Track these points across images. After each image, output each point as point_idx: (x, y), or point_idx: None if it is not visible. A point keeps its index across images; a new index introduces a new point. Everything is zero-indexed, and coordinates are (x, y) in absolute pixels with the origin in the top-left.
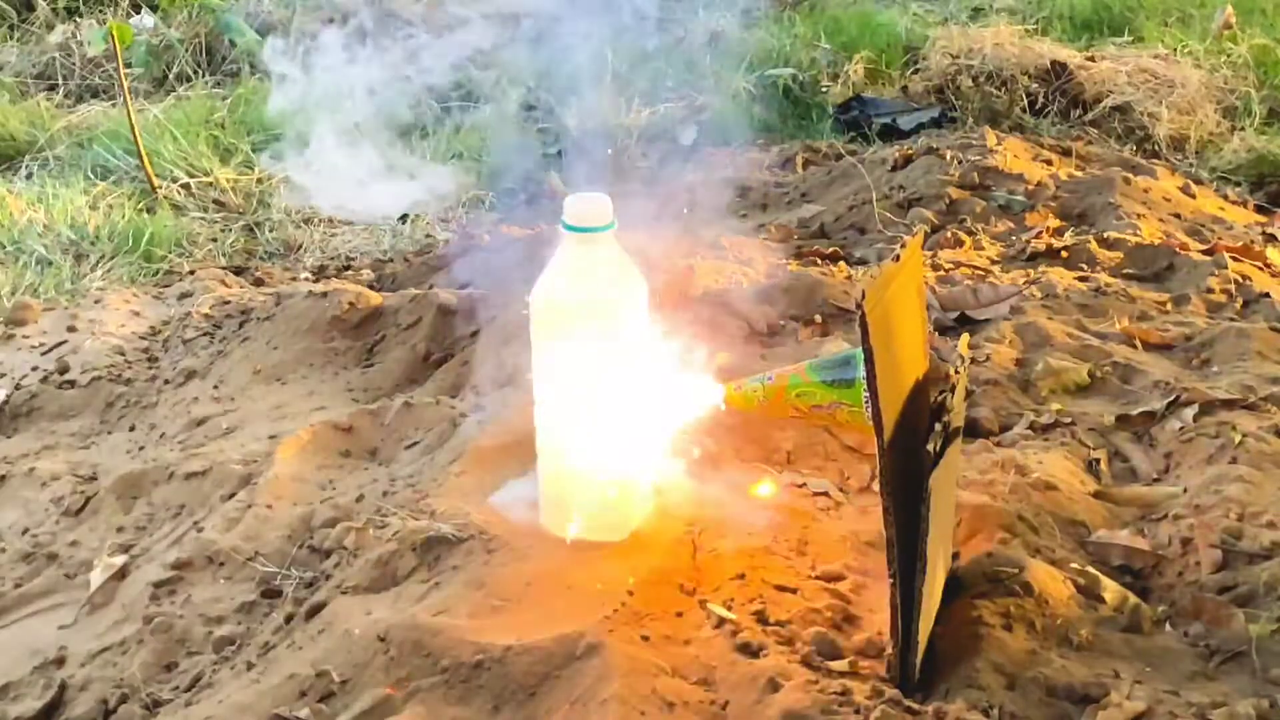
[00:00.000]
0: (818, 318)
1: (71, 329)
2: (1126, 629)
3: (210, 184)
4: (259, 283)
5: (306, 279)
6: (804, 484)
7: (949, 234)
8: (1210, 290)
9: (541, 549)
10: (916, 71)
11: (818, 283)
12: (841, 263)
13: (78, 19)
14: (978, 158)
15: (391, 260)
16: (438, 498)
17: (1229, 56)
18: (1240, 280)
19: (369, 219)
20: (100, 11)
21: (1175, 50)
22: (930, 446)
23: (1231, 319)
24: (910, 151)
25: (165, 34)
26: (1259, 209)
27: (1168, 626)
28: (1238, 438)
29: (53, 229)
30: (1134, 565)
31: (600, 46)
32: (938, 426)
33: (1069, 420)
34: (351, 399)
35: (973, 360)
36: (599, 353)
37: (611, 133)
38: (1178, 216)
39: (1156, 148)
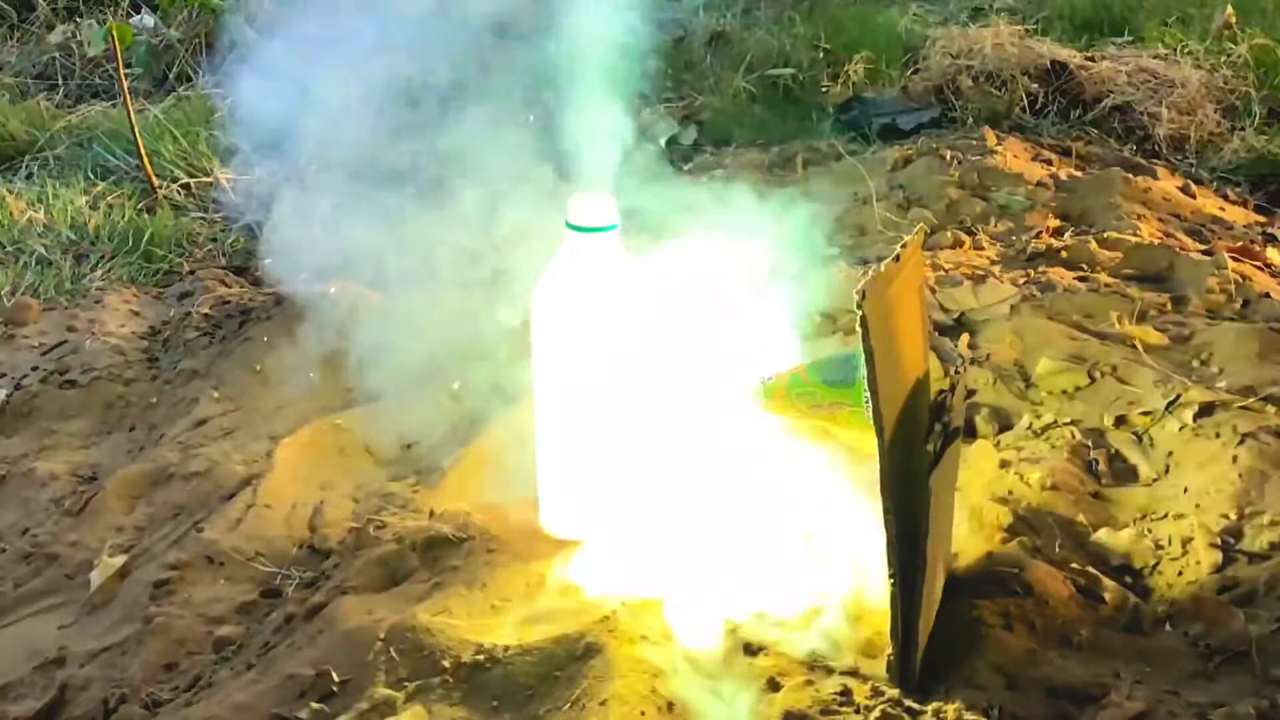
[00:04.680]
0: (817, 315)
1: (71, 329)
2: (1126, 629)
3: (210, 184)
4: (259, 283)
5: (306, 279)
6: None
7: (949, 234)
8: (1210, 290)
9: (541, 549)
10: (916, 71)
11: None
12: (841, 263)
13: (78, 19)
14: (978, 158)
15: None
16: (438, 498)
17: (1229, 56)
18: (1240, 280)
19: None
20: (100, 11)
21: (1175, 50)
22: (930, 446)
23: (1231, 319)
24: (910, 152)
25: (165, 34)
26: (1259, 209)
27: (1168, 626)
28: (1238, 438)
29: (53, 229)
30: (1134, 565)
31: (597, 47)
32: (938, 427)
33: (1069, 420)
34: (352, 399)
35: (973, 360)
36: (599, 353)
37: (611, 134)
38: (1178, 216)
39: (1156, 148)
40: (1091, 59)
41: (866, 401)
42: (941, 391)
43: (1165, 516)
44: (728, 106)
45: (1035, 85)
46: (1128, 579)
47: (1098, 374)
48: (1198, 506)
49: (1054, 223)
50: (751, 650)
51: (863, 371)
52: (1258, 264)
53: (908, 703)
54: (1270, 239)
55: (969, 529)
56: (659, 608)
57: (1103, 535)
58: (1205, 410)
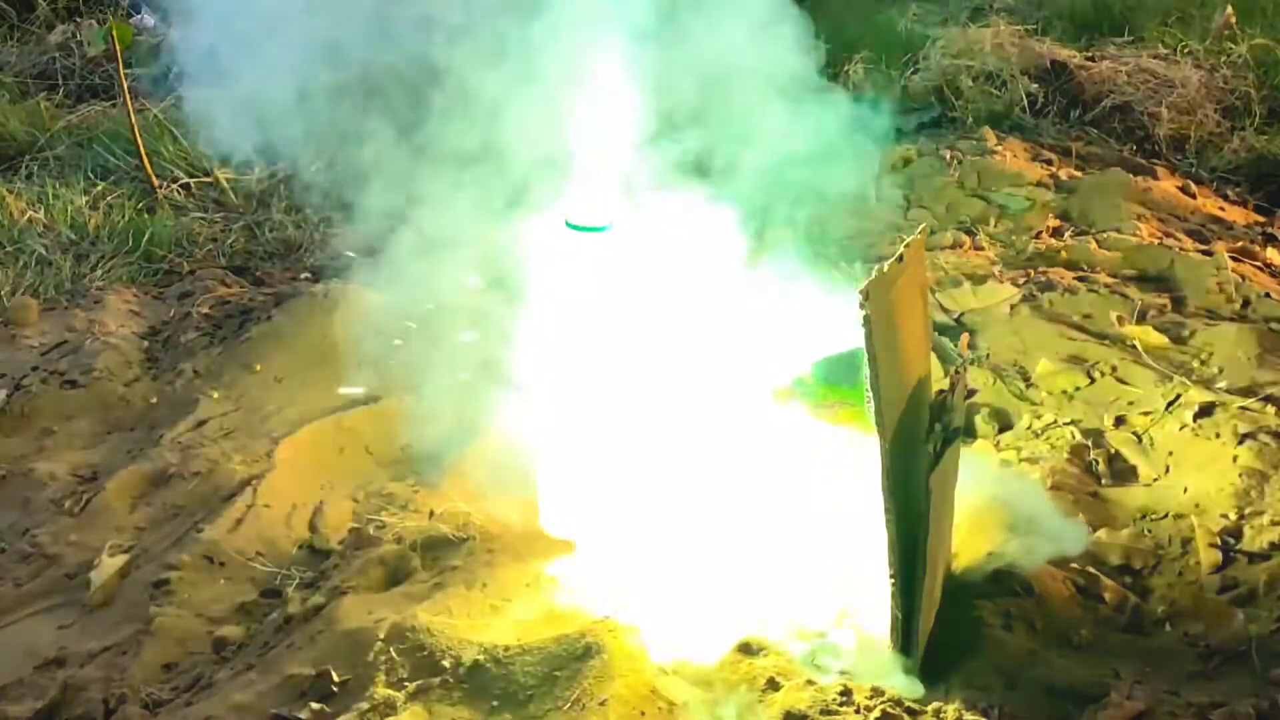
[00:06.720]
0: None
1: (71, 329)
2: (1126, 629)
3: (210, 184)
4: (259, 283)
5: (306, 279)
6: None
7: (949, 235)
8: (1210, 290)
9: (541, 549)
10: (916, 71)
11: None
12: (842, 263)
13: (78, 19)
14: (978, 158)
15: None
16: (438, 498)
17: (1229, 56)
18: (1240, 280)
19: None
20: (100, 11)
21: (1175, 50)
22: (930, 446)
23: (1231, 319)
24: (910, 152)
25: (165, 34)
26: (1259, 209)
27: (1168, 626)
28: (1238, 438)
29: (53, 229)
30: (1134, 565)
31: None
32: (938, 427)
33: (1069, 420)
34: (351, 399)
35: (973, 360)
36: (599, 352)
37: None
38: (1178, 216)
39: (1156, 148)
40: (1091, 59)
41: (869, 401)
42: (941, 391)
43: (1165, 516)
44: None
45: (1035, 85)
46: (1128, 579)
47: (1097, 374)
48: (1198, 506)
49: (1054, 223)
50: (751, 650)
51: (865, 371)
52: (1258, 264)
53: (908, 703)
54: (1270, 239)
55: (969, 529)
56: (658, 608)
57: (1103, 535)
58: (1205, 410)
